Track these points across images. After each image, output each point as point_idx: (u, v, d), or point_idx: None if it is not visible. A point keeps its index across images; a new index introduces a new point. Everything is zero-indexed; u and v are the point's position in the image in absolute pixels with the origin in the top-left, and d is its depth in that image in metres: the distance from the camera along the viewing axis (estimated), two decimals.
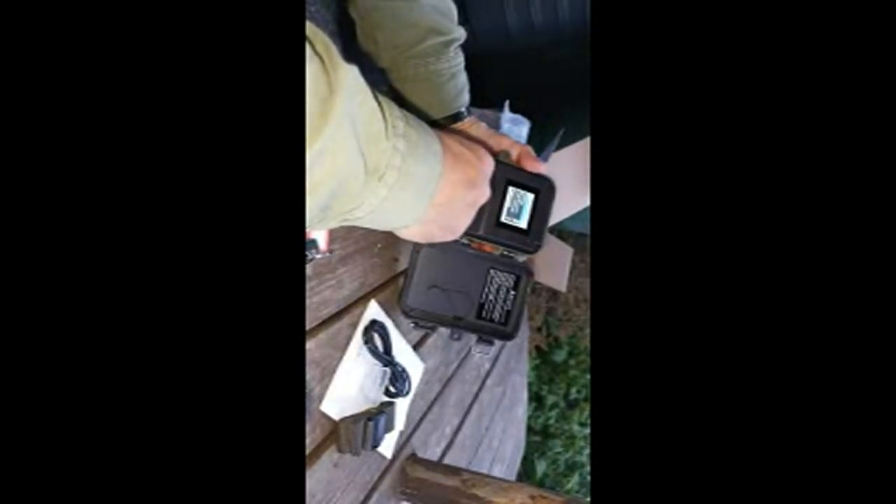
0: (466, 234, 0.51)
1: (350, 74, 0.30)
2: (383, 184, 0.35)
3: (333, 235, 0.56)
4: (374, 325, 0.63)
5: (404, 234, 0.44)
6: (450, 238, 0.46)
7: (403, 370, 0.69)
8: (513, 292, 0.60)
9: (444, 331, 0.61)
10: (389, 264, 0.69)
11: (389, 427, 0.66)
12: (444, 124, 0.58)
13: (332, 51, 0.29)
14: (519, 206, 0.54)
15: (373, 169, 0.34)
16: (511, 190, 0.53)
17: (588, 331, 2.98)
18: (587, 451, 3.11)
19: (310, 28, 0.28)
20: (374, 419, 0.60)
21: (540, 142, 0.67)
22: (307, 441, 0.55)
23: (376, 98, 0.34)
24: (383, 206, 0.36)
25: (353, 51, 0.59)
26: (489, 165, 0.45)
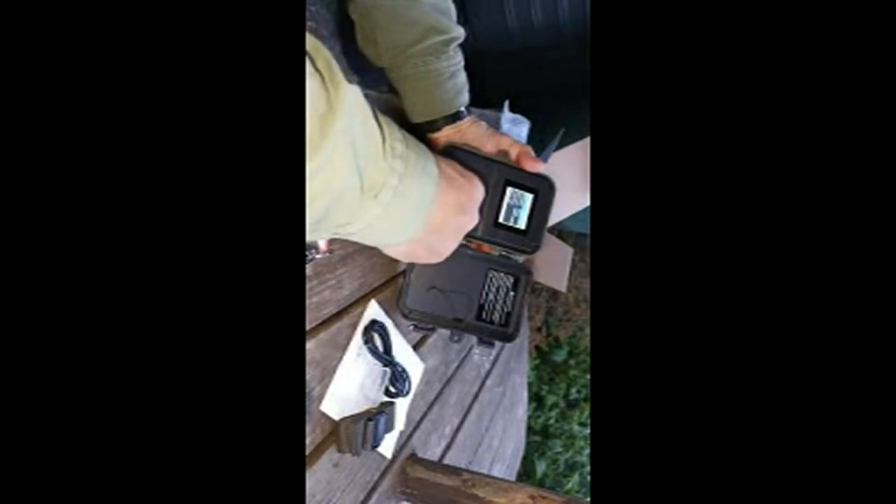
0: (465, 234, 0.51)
1: (350, 92, 0.30)
2: (378, 202, 0.35)
3: None
4: (374, 325, 0.63)
5: (390, 251, 0.44)
6: (433, 260, 0.47)
7: (403, 370, 0.68)
8: (512, 293, 0.60)
9: (444, 331, 0.61)
10: (389, 264, 0.69)
11: (389, 427, 0.66)
12: (443, 124, 0.58)
13: (334, 68, 0.29)
14: (517, 207, 0.54)
15: (369, 187, 0.34)
16: (509, 190, 0.53)
17: (588, 331, 2.98)
18: (587, 451, 3.11)
19: (312, 43, 0.28)
20: (374, 419, 0.60)
21: (540, 142, 0.67)
22: (307, 441, 0.55)
23: (376, 117, 0.34)
24: (377, 223, 0.36)
25: (353, 51, 0.59)
26: (480, 193, 0.47)
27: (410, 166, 0.37)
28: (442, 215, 0.42)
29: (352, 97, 0.30)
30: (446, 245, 0.46)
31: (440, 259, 0.47)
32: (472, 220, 0.47)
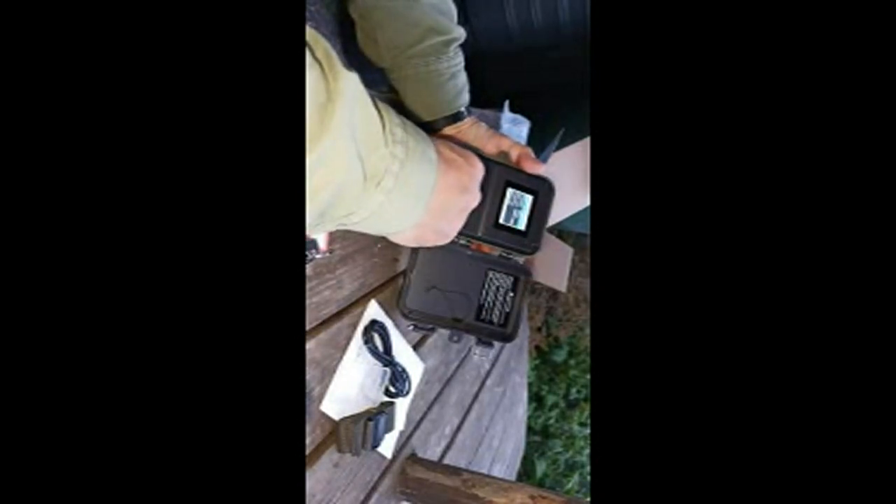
0: (465, 235, 0.52)
1: (350, 82, 0.30)
2: (381, 189, 0.35)
3: (333, 235, 0.56)
4: (374, 325, 0.63)
5: (397, 238, 0.44)
6: (441, 242, 0.47)
7: (403, 370, 0.69)
8: (511, 294, 0.60)
9: (443, 331, 0.61)
10: (389, 264, 0.69)
11: (389, 427, 0.66)
12: (443, 124, 0.58)
13: (333, 58, 0.29)
14: (517, 208, 0.54)
15: (371, 175, 0.34)
16: (510, 191, 0.53)
17: (588, 331, 2.98)
18: (587, 451, 3.11)
19: (311, 34, 0.28)
20: (374, 419, 0.60)
21: (540, 142, 0.67)
22: (307, 441, 0.55)
23: (375, 105, 0.34)
24: (380, 211, 0.36)
25: (353, 50, 0.59)
26: (480, 170, 0.47)
27: (411, 151, 0.37)
28: (444, 197, 0.42)
29: (352, 86, 0.30)
30: (453, 226, 0.46)
31: (448, 240, 0.48)
32: (474, 199, 0.47)
